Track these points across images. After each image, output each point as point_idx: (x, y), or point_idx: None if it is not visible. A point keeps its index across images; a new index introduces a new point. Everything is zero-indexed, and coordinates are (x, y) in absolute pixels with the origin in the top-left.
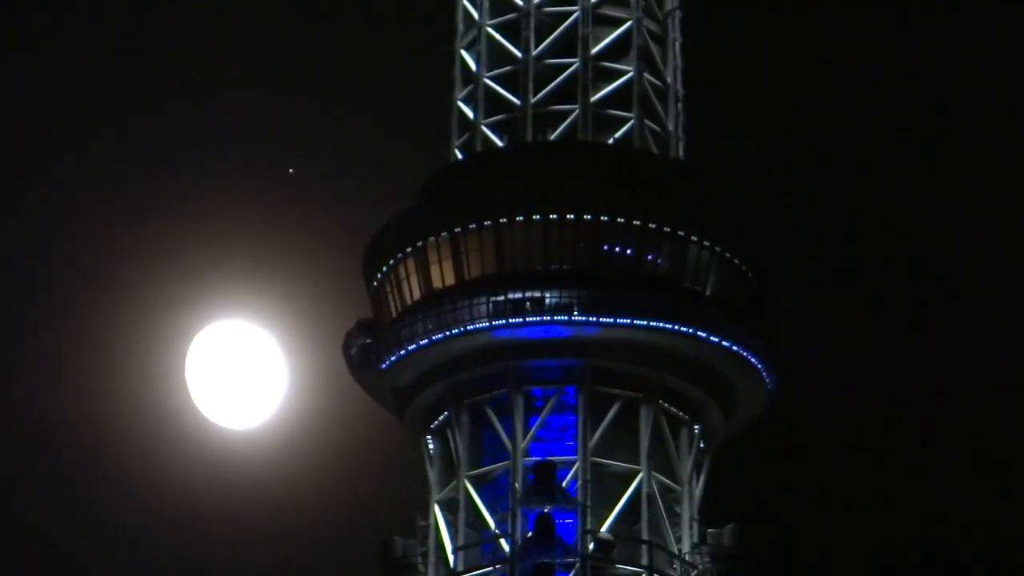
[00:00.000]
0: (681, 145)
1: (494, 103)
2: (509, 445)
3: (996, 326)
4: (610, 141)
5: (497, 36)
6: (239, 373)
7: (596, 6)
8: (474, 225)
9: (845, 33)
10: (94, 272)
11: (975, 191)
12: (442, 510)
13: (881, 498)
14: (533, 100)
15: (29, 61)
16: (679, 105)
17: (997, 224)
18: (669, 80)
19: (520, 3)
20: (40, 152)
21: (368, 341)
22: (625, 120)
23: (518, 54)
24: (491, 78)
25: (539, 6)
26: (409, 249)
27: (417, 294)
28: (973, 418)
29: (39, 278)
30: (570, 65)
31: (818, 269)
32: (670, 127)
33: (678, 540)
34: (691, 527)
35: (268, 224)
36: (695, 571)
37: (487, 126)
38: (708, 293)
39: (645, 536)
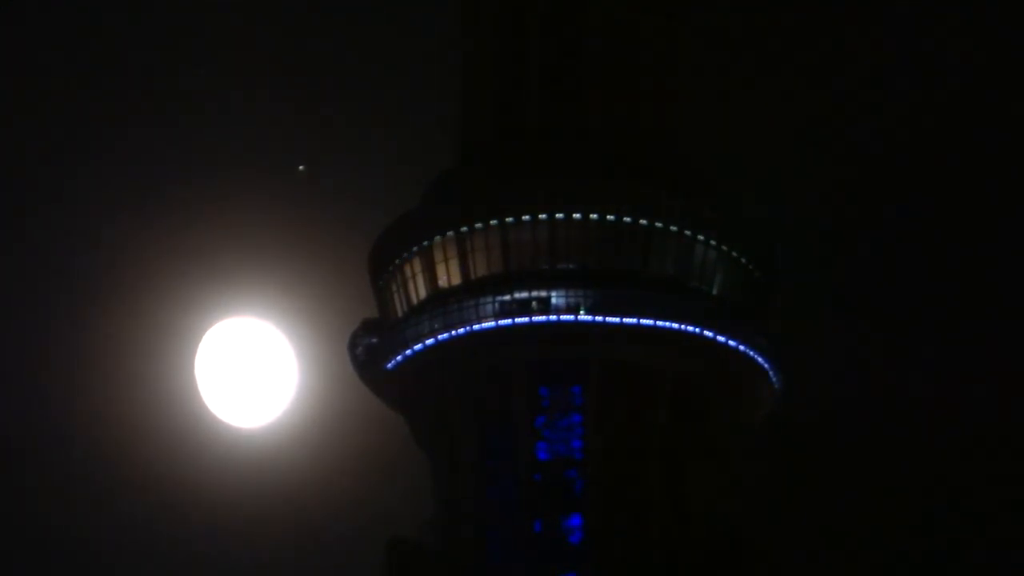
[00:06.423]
0: (688, 146)
1: (501, 104)
2: (515, 444)
3: (1002, 326)
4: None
5: (503, 38)
6: (249, 370)
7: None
8: (480, 224)
9: (849, 36)
10: (105, 270)
11: (979, 190)
12: (449, 508)
13: (881, 498)
14: (540, 102)
15: (51, 66)
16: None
17: (999, 223)
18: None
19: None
20: (47, 157)
21: (374, 341)
22: (633, 121)
23: (525, 56)
24: (498, 79)
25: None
26: (415, 248)
27: (423, 293)
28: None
29: (51, 279)
30: (577, 66)
31: (824, 268)
32: (678, 129)
33: None
34: None
35: (278, 221)
36: None
37: (494, 127)
38: (715, 292)
39: None
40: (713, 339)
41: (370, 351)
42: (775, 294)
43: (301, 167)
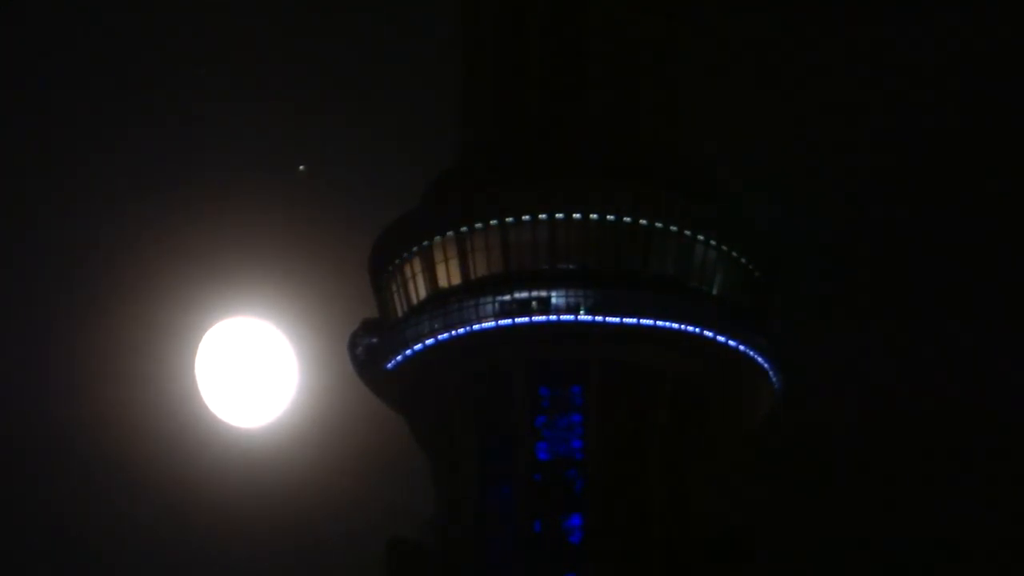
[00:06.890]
0: (689, 146)
1: (501, 104)
2: (515, 444)
3: (1004, 326)
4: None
5: (503, 38)
6: (249, 370)
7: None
8: (480, 225)
9: (854, 36)
10: (105, 270)
11: (980, 191)
12: (449, 508)
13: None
14: (540, 102)
15: (51, 66)
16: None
17: (1002, 223)
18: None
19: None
20: (47, 157)
21: (374, 341)
22: (634, 121)
23: (525, 56)
24: (499, 79)
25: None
26: (415, 248)
27: (423, 294)
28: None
29: (51, 279)
30: (577, 66)
31: (826, 268)
32: (678, 128)
33: None
34: None
35: (278, 221)
36: None
37: (494, 127)
38: (715, 292)
39: None
40: (713, 339)
41: (370, 351)
42: (775, 294)
43: (301, 167)
